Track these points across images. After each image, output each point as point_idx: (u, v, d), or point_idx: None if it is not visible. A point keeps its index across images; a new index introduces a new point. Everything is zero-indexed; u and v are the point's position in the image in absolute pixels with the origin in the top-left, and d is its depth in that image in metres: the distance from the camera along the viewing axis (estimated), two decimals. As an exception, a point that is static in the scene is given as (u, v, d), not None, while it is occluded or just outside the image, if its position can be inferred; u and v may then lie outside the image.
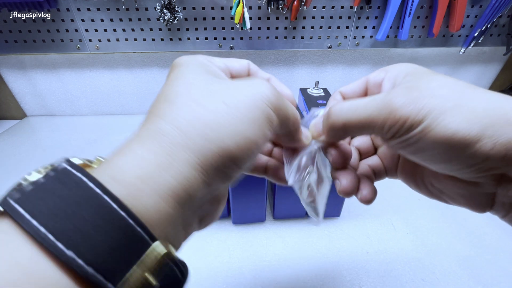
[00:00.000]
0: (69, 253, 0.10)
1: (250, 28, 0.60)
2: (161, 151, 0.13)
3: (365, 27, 0.63)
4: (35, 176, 0.12)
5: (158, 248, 0.12)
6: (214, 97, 0.14)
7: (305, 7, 0.57)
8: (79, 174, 0.12)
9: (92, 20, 0.59)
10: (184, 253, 0.42)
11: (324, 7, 0.60)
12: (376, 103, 0.16)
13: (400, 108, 0.15)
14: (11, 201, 0.11)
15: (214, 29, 0.61)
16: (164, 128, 0.14)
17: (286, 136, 0.19)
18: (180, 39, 0.62)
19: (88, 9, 0.57)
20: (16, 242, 0.10)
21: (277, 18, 0.60)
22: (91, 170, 0.13)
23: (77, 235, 0.10)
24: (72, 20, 0.58)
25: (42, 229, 0.10)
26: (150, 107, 0.16)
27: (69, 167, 0.12)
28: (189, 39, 0.62)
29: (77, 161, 0.13)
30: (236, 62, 0.19)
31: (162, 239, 0.12)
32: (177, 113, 0.14)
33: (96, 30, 0.60)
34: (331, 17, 0.61)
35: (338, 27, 0.62)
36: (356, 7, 0.58)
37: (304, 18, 0.61)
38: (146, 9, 0.58)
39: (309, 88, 0.52)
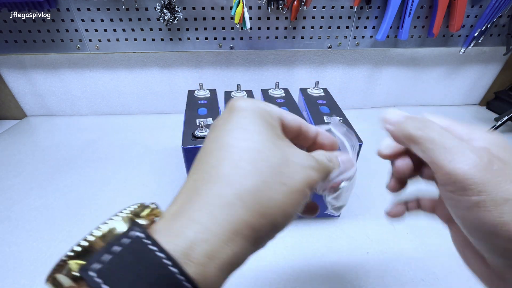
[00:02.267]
0: None
1: (250, 28, 0.60)
2: (226, 224, 0.13)
3: (365, 27, 0.63)
4: (106, 229, 0.13)
5: None
6: (276, 175, 0.15)
7: (305, 7, 0.57)
8: (155, 250, 0.12)
9: (92, 20, 0.59)
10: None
11: (324, 7, 0.60)
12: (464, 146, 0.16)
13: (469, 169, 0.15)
14: (92, 274, 0.11)
15: (214, 29, 0.61)
16: (229, 199, 0.14)
17: None
18: (180, 39, 0.62)
19: (88, 9, 0.57)
20: None
21: (277, 18, 0.60)
22: (158, 235, 0.13)
23: None
24: (72, 20, 0.58)
25: None
26: (201, 154, 0.16)
27: (142, 236, 0.12)
28: (189, 39, 0.62)
29: (143, 221, 0.14)
30: (290, 115, 0.20)
31: None
32: (240, 182, 0.14)
33: (96, 30, 0.60)
34: (331, 17, 0.61)
35: (338, 27, 0.62)
36: (356, 7, 0.58)
37: (304, 18, 0.61)
38: (146, 9, 0.58)
39: (309, 88, 0.52)
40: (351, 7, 0.60)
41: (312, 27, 0.62)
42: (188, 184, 0.15)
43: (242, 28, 0.57)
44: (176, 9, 0.56)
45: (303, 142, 0.21)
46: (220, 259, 0.13)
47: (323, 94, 0.51)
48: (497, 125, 0.65)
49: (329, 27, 0.62)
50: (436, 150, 0.16)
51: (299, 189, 0.16)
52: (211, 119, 0.42)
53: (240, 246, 0.14)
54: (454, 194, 0.15)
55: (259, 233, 0.14)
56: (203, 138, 0.37)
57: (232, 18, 0.59)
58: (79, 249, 0.12)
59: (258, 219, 0.14)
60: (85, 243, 0.12)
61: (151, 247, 0.12)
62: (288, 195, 0.15)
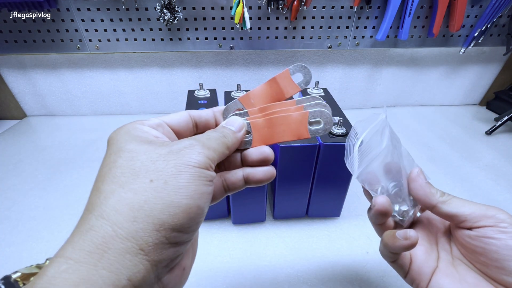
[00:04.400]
0: None
1: (250, 28, 0.60)
2: (94, 248, 0.13)
3: (365, 27, 0.63)
4: None
5: None
6: (139, 176, 0.15)
7: (305, 7, 0.57)
8: None
9: (92, 20, 0.59)
10: (184, 253, 0.40)
11: (324, 7, 0.60)
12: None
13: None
14: None
15: (214, 29, 0.61)
16: (94, 223, 0.14)
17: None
18: (180, 39, 0.62)
19: (88, 9, 0.57)
20: None
21: (277, 18, 0.60)
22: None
23: None
24: (72, 20, 0.58)
25: None
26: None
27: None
28: (189, 39, 0.62)
29: (17, 274, 0.13)
30: (175, 116, 0.20)
31: None
32: (105, 204, 0.14)
33: (96, 30, 0.60)
34: (331, 17, 0.61)
35: (338, 27, 0.62)
36: (356, 7, 0.58)
37: (304, 18, 0.61)
38: (146, 9, 0.58)
39: (309, 88, 0.52)
40: (351, 7, 0.60)
41: (312, 27, 0.62)
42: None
43: (242, 28, 0.57)
44: (176, 9, 0.56)
45: (208, 128, 0.22)
46: (94, 282, 0.12)
47: (323, 94, 0.51)
48: (497, 125, 0.65)
49: (329, 27, 0.62)
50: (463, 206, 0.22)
51: (174, 174, 0.15)
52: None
53: (125, 264, 0.13)
54: (487, 228, 0.20)
55: (146, 240, 0.14)
56: None
57: (232, 18, 0.59)
58: None
59: (131, 227, 0.14)
60: None
61: None
62: (161, 186, 0.15)
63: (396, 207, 0.24)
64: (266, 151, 0.22)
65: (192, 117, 0.21)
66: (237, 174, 0.22)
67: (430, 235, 0.25)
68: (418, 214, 0.27)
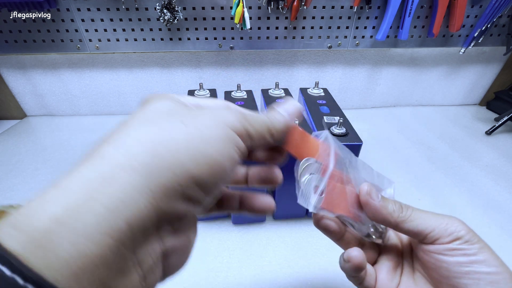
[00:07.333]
0: None
1: (250, 28, 0.60)
2: (95, 176, 0.11)
3: (365, 27, 0.63)
4: None
5: None
6: (172, 117, 0.14)
7: (305, 7, 0.57)
8: None
9: (92, 20, 0.59)
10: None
11: (324, 7, 0.60)
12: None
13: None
14: None
15: (214, 29, 0.61)
16: (106, 150, 0.12)
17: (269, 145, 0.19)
18: (180, 39, 0.62)
19: (88, 9, 0.57)
20: None
21: (277, 18, 0.60)
22: None
23: None
24: (72, 20, 0.58)
25: None
26: None
27: None
28: (189, 39, 0.62)
29: None
30: (211, 101, 0.18)
31: None
32: (126, 134, 0.13)
33: (96, 30, 0.60)
34: (331, 17, 0.61)
35: (338, 27, 0.62)
36: (356, 7, 0.58)
37: (304, 18, 0.61)
38: (146, 9, 0.58)
39: (309, 88, 0.52)
40: (351, 7, 0.60)
41: (312, 27, 0.62)
42: None
43: (242, 28, 0.57)
44: (176, 9, 0.56)
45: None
46: (82, 222, 0.10)
47: (323, 94, 0.51)
48: (497, 125, 0.65)
49: (329, 27, 0.62)
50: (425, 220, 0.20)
51: (208, 125, 0.14)
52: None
53: (125, 199, 0.11)
54: (449, 243, 0.19)
55: (160, 180, 0.12)
56: None
57: (232, 18, 0.59)
58: None
59: (148, 160, 0.12)
60: None
61: None
62: (192, 131, 0.13)
63: (371, 229, 0.23)
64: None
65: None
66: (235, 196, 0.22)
67: (398, 248, 0.24)
68: None
